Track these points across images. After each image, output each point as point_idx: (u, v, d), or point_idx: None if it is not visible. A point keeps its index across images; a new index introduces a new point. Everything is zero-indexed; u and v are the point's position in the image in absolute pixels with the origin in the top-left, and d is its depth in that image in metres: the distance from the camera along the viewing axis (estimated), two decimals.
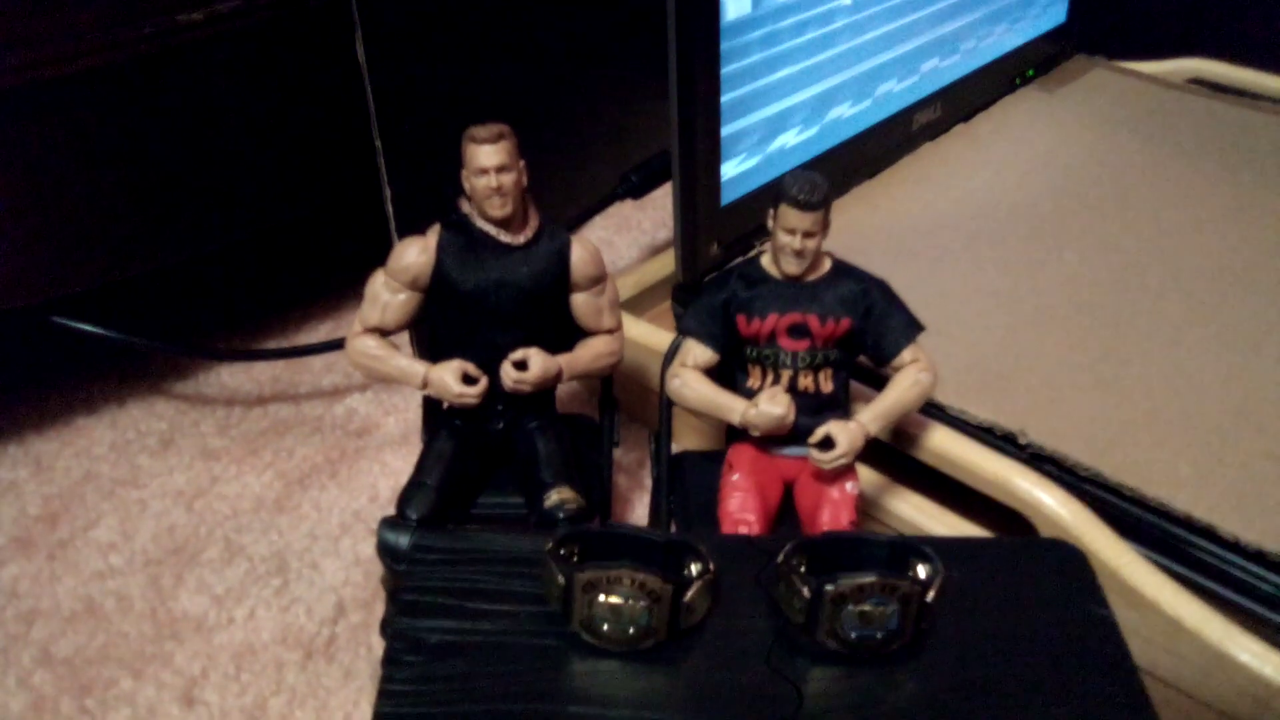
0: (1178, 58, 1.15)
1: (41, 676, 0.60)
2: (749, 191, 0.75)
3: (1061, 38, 1.09)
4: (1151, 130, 0.98)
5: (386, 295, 0.57)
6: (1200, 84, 1.11)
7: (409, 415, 0.79)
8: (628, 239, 1.01)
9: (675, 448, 0.64)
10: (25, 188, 0.67)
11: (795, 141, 0.78)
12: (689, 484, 0.61)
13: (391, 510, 0.56)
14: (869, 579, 0.43)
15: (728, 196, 0.73)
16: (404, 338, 0.62)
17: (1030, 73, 1.06)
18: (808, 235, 0.54)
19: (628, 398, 0.69)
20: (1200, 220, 0.84)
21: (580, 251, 0.58)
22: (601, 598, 0.44)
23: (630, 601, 0.44)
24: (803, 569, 0.46)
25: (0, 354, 0.84)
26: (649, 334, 0.72)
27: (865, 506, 0.61)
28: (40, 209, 0.69)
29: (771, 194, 0.55)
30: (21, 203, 0.68)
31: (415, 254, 0.56)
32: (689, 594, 0.44)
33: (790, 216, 0.53)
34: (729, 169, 0.72)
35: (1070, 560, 0.51)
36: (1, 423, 0.78)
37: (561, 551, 0.46)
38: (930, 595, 0.44)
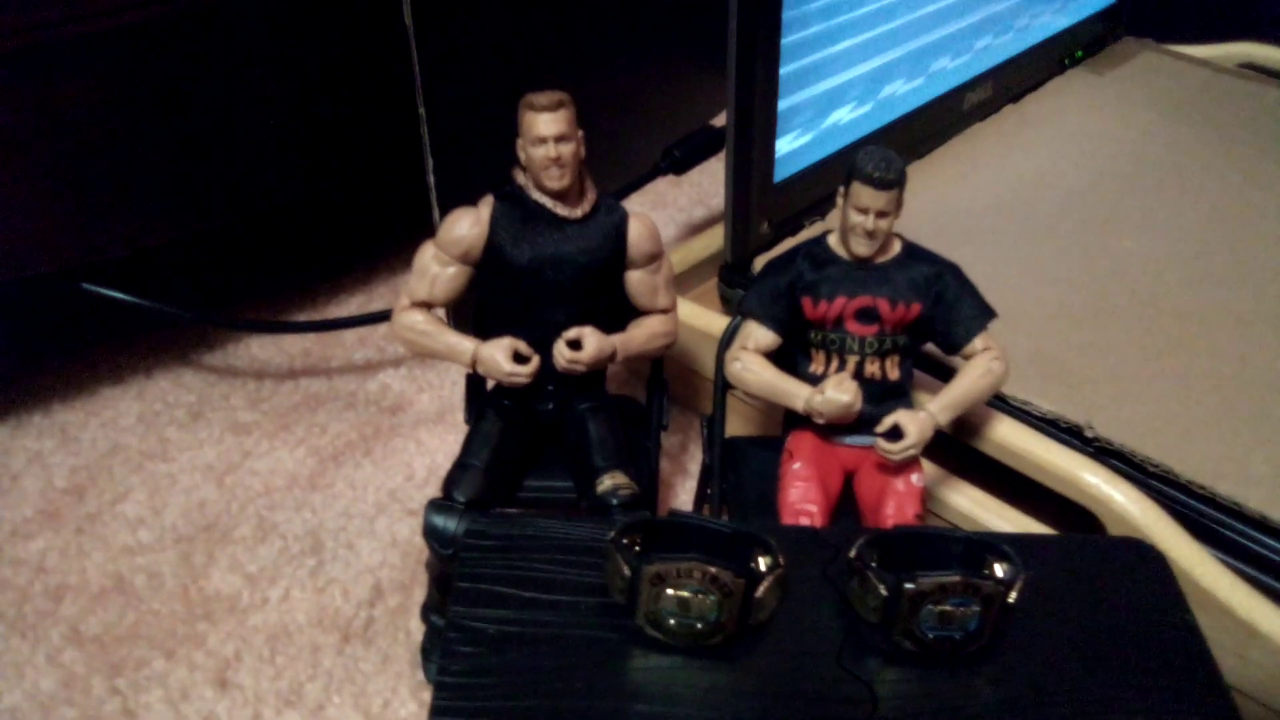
0: (1228, 42, 1.12)
1: (71, 655, 0.58)
2: (801, 169, 0.73)
3: (1111, 19, 1.07)
4: (1205, 115, 0.95)
5: (436, 268, 0.55)
6: (1252, 68, 1.08)
7: (444, 393, 0.77)
8: (663, 216, 0.99)
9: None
10: (57, 147, 0.65)
11: (849, 118, 0.75)
12: (742, 471, 0.59)
13: (427, 490, 0.54)
14: (952, 578, 0.41)
15: (780, 174, 0.71)
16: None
17: (1079, 54, 1.04)
18: (881, 215, 0.51)
19: (670, 379, 0.67)
20: (1262, 208, 0.82)
21: (638, 227, 0.55)
22: (670, 591, 0.41)
23: (700, 595, 0.41)
24: (875, 564, 0.44)
25: (26, 321, 0.82)
26: (695, 314, 0.70)
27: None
28: (72, 170, 0.66)
29: (843, 171, 0.52)
30: (53, 163, 0.65)
31: (468, 226, 0.54)
32: (760, 589, 0.42)
33: (863, 195, 0.51)
34: (783, 145, 0.70)
35: (1149, 561, 0.48)
36: (27, 392, 0.76)
37: (624, 541, 0.44)
38: (1012, 596, 0.42)
